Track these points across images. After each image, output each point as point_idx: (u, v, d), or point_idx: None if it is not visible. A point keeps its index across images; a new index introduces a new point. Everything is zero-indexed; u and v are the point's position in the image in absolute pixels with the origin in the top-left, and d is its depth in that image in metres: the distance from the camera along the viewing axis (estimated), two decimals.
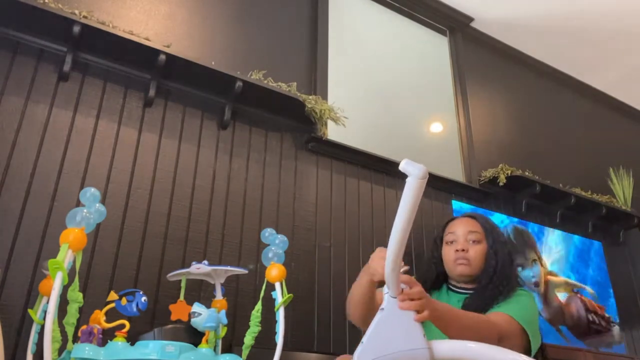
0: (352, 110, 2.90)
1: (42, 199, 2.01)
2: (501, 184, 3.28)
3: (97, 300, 1.89)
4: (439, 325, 1.24)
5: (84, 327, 1.59)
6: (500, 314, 1.39)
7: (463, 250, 1.54)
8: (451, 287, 1.62)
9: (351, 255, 2.64)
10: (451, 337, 1.26)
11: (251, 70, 2.64)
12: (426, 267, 1.71)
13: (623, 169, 4.08)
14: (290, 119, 2.72)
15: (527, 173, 3.43)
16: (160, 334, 1.64)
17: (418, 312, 1.08)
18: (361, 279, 1.41)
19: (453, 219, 1.69)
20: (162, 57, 2.30)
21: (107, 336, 1.63)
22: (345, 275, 2.56)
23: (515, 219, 3.31)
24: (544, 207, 3.59)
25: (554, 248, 3.38)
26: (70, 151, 2.13)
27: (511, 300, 1.46)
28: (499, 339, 1.29)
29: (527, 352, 1.42)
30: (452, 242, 1.59)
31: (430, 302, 1.13)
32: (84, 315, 1.73)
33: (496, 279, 1.50)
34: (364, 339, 1.02)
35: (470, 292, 1.55)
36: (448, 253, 1.59)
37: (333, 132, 2.79)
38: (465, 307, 1.47)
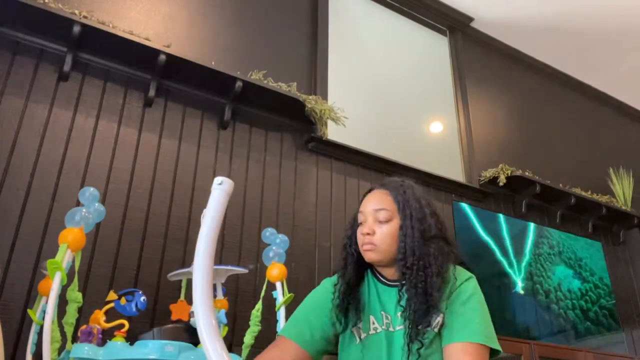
0: (352, 110, 2.89)
1: (42, 199, 2.00)
2: (501, 184, 3.28)
3: (97, 300, 1.89)
4: None
5: (83, 327, 1.59)
6: (461, 351, 1.15)
7: (368, 233, 1.26)
8: (378, 278, 1.32)
9: None
10: None
11: (251, 70, 2.63)
12: (340, 257, 1.35)
13: (623, 169, 4.08)
14: (290, 119, 2.72)
15: (527, 173, 3.43)
16: (159, 334, 1.63)
17: None
18: None
19: (367, 192, 1.36)
20: (162, 57, 2.30)
21: (106, 336, 1.63)
22: None
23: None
24: (544, 207, 3.59)
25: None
26: (70, 151, 2.13)
27: (461, 311, 1.19)
28: None
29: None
30: (361, 224, 1.30)
31: None
32: (84, 315, 1.73)
33: (415, 268, 1.20)
34: None
35: (397, 285, 1.27)
36: (358, 237, 1.30)
37: (333, 132, 2.79)
38: (406, 320, 1.20)
